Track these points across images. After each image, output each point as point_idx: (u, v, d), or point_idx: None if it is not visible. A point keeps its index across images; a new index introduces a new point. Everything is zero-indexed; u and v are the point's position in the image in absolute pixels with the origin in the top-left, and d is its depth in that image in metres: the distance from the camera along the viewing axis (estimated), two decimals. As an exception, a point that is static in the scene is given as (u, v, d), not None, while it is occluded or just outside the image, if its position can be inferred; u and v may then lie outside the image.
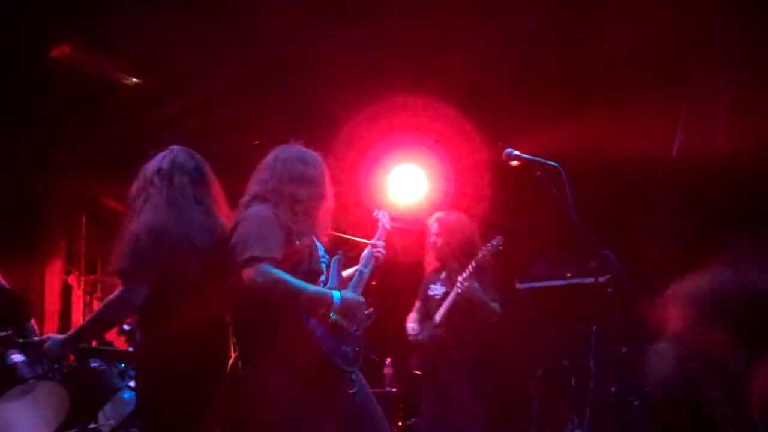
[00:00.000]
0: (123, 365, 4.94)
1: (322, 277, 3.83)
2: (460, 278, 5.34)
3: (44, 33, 6.02)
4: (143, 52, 6.38)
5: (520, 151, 4.23)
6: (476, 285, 5.33)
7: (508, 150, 4.11)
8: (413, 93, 6.64)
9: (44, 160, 7.30)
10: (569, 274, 6.83)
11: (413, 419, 6.62)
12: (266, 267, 3.50)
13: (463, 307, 5.42)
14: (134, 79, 6.81)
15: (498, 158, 4.57)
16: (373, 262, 4.21)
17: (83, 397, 4.69)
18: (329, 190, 3.99)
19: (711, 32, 5.75)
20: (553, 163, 4.02)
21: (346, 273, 4.07)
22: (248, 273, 3.50)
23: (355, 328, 3.77)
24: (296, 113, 7.27)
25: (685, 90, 5.97)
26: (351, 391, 3.71)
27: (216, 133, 7.53)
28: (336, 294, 3.66)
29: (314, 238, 3.86)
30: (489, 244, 5.44)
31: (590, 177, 4.50)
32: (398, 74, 6.52)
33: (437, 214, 5.77)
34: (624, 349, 6.07)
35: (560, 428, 7.12)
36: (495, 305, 5.42)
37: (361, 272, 4.10)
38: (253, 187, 3.89)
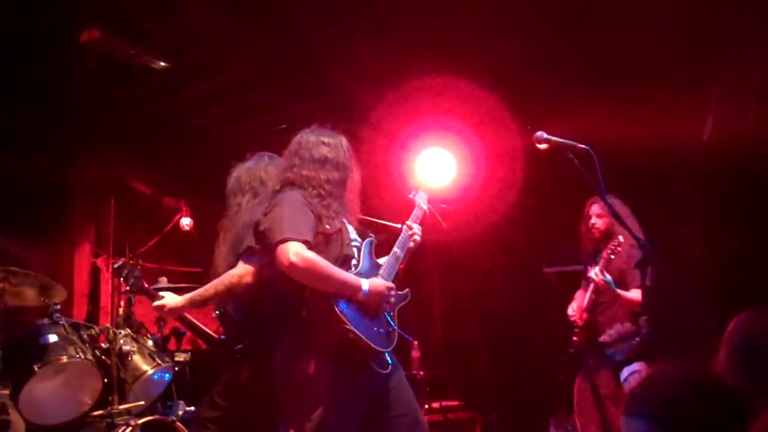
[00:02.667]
0: (154, 347, 5.03)
1: (354, 261, 3.86)
2: (591, 273, 5.43)
3: (73, 17, 6.09)
4: (171, 36, 6.44)
5: (549, 132, 4.24)
6: (608, 279, 5.35)
7: (539, 132, 4.10)
8: (440, 76, 6.66)
9: (73, 143, 7.40)
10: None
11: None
12: (299, 246, 3.56)
13: (603, 295, 5.52)
14: (162, 63, 6.85)
15: (527, 142, 4.59)
16: (409, 245, 4.21)
17: (115, 377, 4.80)
18: (355, 171, 4.06)
19: (742, 15, 5.73)
20: (584, 146, 4.01)
21: (381, 260, 4.08)
22: (281, 254, 3.56)
23: (388, 309, 3.83)
24: (322, 98, 7.30)
25: (715, 74, 5.96)
26: (384, 372, 3.76)
27: (242, 118, 7.62)
28: (365, 282, 3.70)
29: (345, 221, 3.91)
30: (612, 245, 5.42)
31: (619, 160, 4.50)
32: (425, 57, 6.54)
33: (597, 198, 5.71)
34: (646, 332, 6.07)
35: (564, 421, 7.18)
36: (634, 292, 5.37)
37: (395, 255, 4.09)
38: (281, 173, 3.98)
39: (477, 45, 6.36)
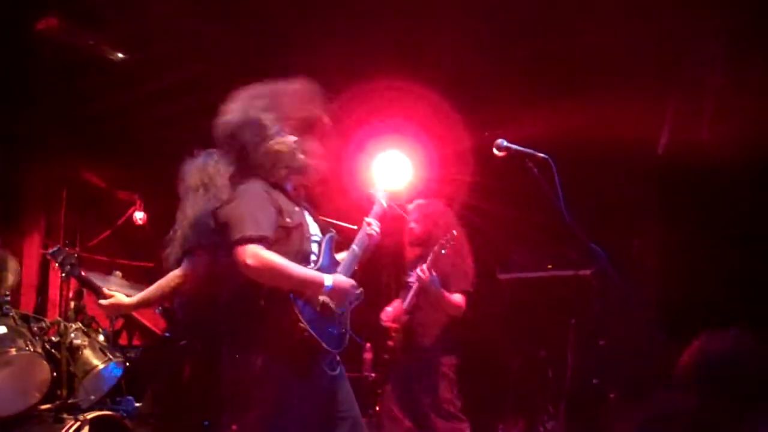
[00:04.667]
0: (105, 342, 5.05)
1: (313, 257, 3.85)
2: (417, 270, 5.31)
3: (30, 4, 6.06)
4: (130, 28, 6.44)
5: (505, 138, 4.30)
6: (434, 277, 5.27)
7: (499, 140, 4.18)
8: (397, 78, 6.71)
9: (26, 133, 7.35)
10: (550, 266, 6.97)
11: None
12: (257, 248, 3.53)
13: (426, 297, 5.44)
14: (120, 55, 6.85)
15: (482, 145, 4.66)
16: (366, 241, 4.21)
17: (64, 371, 4.81)
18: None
19: (700, 27, 5.86)
20: (543, 155, 4.10)
21: (338, 256, 4.10)
22: (240, 254, 3.53)
23: (342, 310, 3.82)
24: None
25: (672, 84, 6.09)
26: (333, 373, 3.78)
27: (198, 114, 7.59)
28: (328, 278, 3.69)
29: (306, 215, 3.91)
30: (444, 239, 5.43)
31: (574, 167, 4.58)
32: (383, 58, 6.59)
33: (417, 202, 5.83)
34: (602, 342, 6.19)
35: (535, 418, 7.31)
36: (456, 296, 5.38)
37: (353, 252, 4.09)
38: (241, 164, 3.88)
39: (434, 47, 6.41)
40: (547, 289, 6.93)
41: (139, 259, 7.50)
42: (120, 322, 5.09)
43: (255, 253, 3.53)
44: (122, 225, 7.65)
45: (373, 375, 6.84)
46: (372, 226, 4.26)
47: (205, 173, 4.43)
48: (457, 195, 7.27)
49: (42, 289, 7.57)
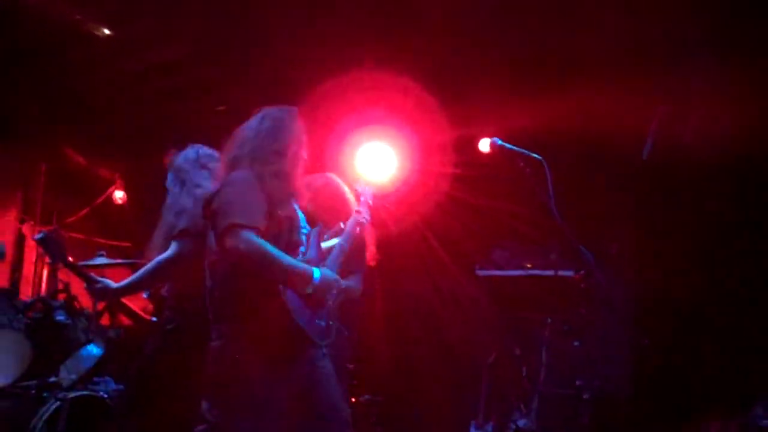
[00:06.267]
0: (87, 322, 5.09)
1: (302, 248, 3.91)
2: None
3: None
4: (117, 4, 6.45)
5: (488, 132, 4.39)
6: None
7: (494, 139, 4.28)
8: (381, 69, 6.77)
9: (6, 107, 7.31)
10: (529, 265, 7.06)
11: (367, 396, 6.86)
12: (248, 234, 3.57)
13: None
14: (105, 31, 6.84)
15: (467, 140, 4.72)
16: (355, 231, 4.36)
17: (46, 349, 4.86)
18: (306, 154, 4.07)
19: (687, 31, 5.96)
20: (536, 156, 4.18)
21: (325, 245, 4.19)
22: (229, 240, 3.55)
23: (329, 302, 3.88)
24: (262, 83, 7.37)
25: (659, 88, 6.19)
26: (320, 365, 3.84)
27: (181, 95, 7.64)
28: (316, 271, 3.75)
29: (296, 207, 3.95)
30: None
31: (555, 166, 4.65)
32: (365, 49, 6.65)
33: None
34: (576, 343, 6.29)
35: (507, 416, 7.42)
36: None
37: (341, 246, 4.21)
38: (233, 150, 3.94)
39: (418, 38, 6.45)
40: (526, 288, 7.01)
41: (118, 238, 7.52)
42: (102, 303, 5.12)
43: (246, 239, 3.56)
44: (101, 203, 7.64)
45: (350, 366, 6.93)
46: (362, 213, 4.46)
47: (186, 166, 4.52)
48: (440, 187, 7.36)
49: (16, 265, 7.57)
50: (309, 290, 3.72)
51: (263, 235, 3.64)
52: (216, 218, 3.69)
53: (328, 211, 5.18)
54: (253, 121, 4.00)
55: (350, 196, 5.42)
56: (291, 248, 3.81)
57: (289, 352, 3.72)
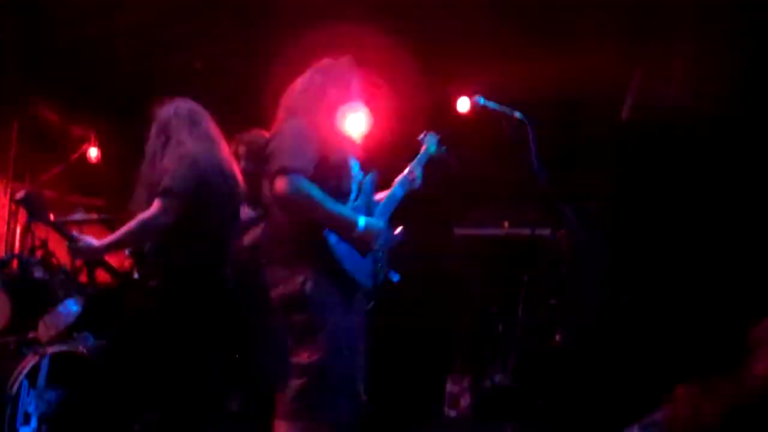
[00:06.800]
0: (65, 278, 5.08)
1: (353, 195, 4.03)
2: None
3: None
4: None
5: (469, 91, 4.39)
6: None
7: (477, 97, 4.29)
8: (361, 26, 6.74)
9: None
10: (507, 223, 7.11)
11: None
12: (296, 178, 3.70)
13: None
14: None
15: (445, 99, 4.73)
16: (407, 186, 4.38)
17: (24, 305, 4.85)
18: (360, 102, 4.22)
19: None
20: (519, 114, 4.20)
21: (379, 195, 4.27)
22: (278, 183, 3.71)
23: (379, 248, 4.04)
24: (241, 39, 7.33)
25: (641, 46, 6.21)
26: (366, 307, 4.10)
27: (159, 52, 7.58)
28: (361, 219, 3.88)
29: (348, 155, 4.05)
30: None
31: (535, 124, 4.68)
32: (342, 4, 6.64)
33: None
34: (553, 301, 6.37)
35: (484, 372, 7.50)
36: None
37: (394, 195, 4.31)
38: (288, 100, 4.09)
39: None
40: (503, 247, 7.07)
41: (92, 196, 7.49)
42: (80, 260, 5.12)
43: (293, 182, 3.70)
44: (75, 161, 7.58)
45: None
46: (414, 174, 4.44)
47: (171, 120, 4.52)
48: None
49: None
50: (354, 236, 3.84)
51: (313, 181, 3.76)
52: (268, 162, 3.85)
53: None
54: (308, 72, 4.13)
55: None
56: (341, 195, 3.95)
57: (338, 292, 3.87)
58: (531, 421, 6.98)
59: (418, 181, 4.45)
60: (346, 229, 3.83)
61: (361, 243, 3.90)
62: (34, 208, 4.28)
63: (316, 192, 3.73)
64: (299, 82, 4.10)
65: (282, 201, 3.76)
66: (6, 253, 6.74)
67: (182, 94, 4.74)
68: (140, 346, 4.39)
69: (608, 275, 6.58)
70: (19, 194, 4.31)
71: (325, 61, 4.17)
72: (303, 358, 3.82)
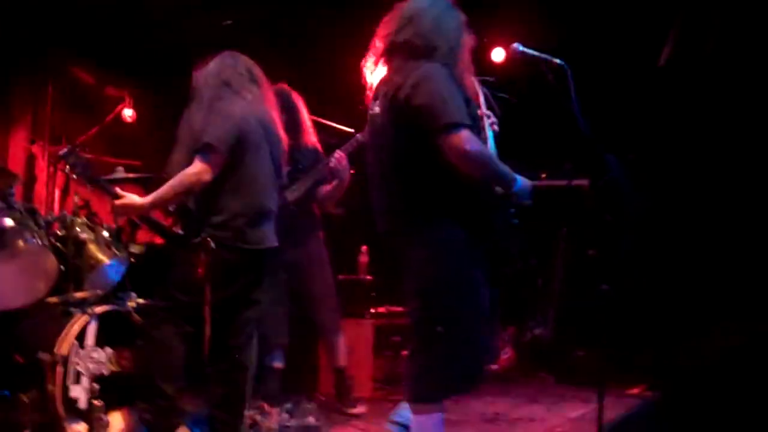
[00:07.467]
0: (109, 237, 5.14)
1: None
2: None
3: None
4: None
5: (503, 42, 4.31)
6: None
7: (515, 45, 4.22)
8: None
9: (14, 24, 7.25)
10: (544, 175, 7.10)
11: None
12: (469, 133, 3.50)
13: None
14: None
15: (480, 49, 4.70)
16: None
17: (70, 265, 4.91)
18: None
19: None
20: (558, 60, 4.14)
21: None
22: (453, 140, 3.46)
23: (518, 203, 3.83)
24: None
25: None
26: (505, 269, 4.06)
27: (193, 12, 7.58)
28: (518, 179, 3.70)
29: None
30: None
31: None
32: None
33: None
34: (591, 252, 6.36)
35: (524, 325, 7.56)
36: None
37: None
38: (406, 35, 3.75)
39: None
40: (540, 198, 7.05)
41: (126, 156, 7.52)
42: (124, 218, 5.18)
43: (468, 138, 3.49)
44: (110, 122, 7.62)
45: (369, 278, 7.04)
46: (491, 118, 4.12)
47: (220, 77, 4.54)
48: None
49: (28, 185, 7.58)
50: (510, 193, 3.69)
51: None
52: (424, 117, 3.57)
53: None
54: (414, 11, 3.82)
55: None
56: None
57: (482, 250, 3.74)
58: (570, 373, 7.05)
59: (497, 127, 4.19)
60: (507, 185, 3.65)
61: (517, 199, 3.72)
62: (77, 164, 4.33)
63: (484, 146, 3.58)
64: (414, 16, 3.77)
65: (461, 159, 3.47)
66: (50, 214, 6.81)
67: (214, 52, 4.75)
68: (187, 302, 4.43)
69: (648, 226, 6.57)
70: (63, 150, 4.38)
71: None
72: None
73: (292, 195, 5.86)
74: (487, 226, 3.75)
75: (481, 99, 4.05)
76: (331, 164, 5.85)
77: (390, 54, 3.82)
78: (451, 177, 3.58)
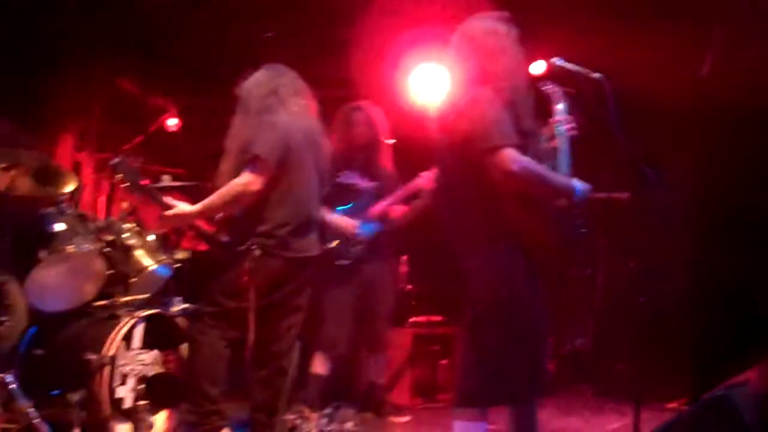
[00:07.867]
0: (155, 243, 5.26)
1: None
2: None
3: None
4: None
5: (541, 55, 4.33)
6: None
7: (554, 59, 4.26)
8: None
9: (64, 34, 7.40)
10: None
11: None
12: (515, 153, 3.52)
13: None
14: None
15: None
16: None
17: (118, 270, 5.04)
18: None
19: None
20: (597, 74, 4.16)
21: None
22: (499, 161, 3.51)
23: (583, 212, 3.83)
24: (313, 6, 7.38)
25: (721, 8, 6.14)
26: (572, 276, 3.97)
27: (233, 21, 7.68)
28: (578, 185, 3.75)
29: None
30: None
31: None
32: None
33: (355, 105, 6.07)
34: (632, 265, 6.34)
35: (564, 335, 7.56)
36: None
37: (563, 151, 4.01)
38: (462, 65, 3.84)
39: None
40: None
41: (170, 165, 7.65)
42: (169, 226, 5.29)
43: (515, 159, 3.52)
44: (155, 131, 7.78)
45: (408, 287, 7.11)
46: (569, 123, 4.09)
47: (268, 89, 4.64)
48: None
49: (74, 192, 7.71)
50: (573, 201, 3.72)
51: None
52: (472, 141, 3.63)
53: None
54: (465, 38, 3.91)
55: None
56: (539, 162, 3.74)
57: (545, 264, 3.79)
58: (610, 385, 7.04)
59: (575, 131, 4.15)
60: (568, 194, 3.69)
61: (580, 206, 3.74)
62: (127, 173, 4.44)
63: (533, 162, 3.57)
64: (467, 45, 3.84)
65: (507, 179, 3.52)
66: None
67: (258, 63, 4.86)
68: (232, 308, 4.52)
69: (688, 239, 6.55)
70: (115, 159, 4.49)
71: (486, 22, 3.91)
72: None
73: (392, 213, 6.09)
74: (551, 243, 3.74)
75: (558, 107, 4.09)
76: (421, 183, 5.92)
77: (447, 78, 3.96)
78: (507, 198, 3.64)
